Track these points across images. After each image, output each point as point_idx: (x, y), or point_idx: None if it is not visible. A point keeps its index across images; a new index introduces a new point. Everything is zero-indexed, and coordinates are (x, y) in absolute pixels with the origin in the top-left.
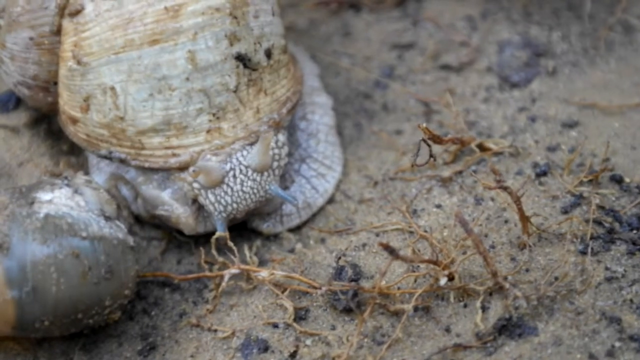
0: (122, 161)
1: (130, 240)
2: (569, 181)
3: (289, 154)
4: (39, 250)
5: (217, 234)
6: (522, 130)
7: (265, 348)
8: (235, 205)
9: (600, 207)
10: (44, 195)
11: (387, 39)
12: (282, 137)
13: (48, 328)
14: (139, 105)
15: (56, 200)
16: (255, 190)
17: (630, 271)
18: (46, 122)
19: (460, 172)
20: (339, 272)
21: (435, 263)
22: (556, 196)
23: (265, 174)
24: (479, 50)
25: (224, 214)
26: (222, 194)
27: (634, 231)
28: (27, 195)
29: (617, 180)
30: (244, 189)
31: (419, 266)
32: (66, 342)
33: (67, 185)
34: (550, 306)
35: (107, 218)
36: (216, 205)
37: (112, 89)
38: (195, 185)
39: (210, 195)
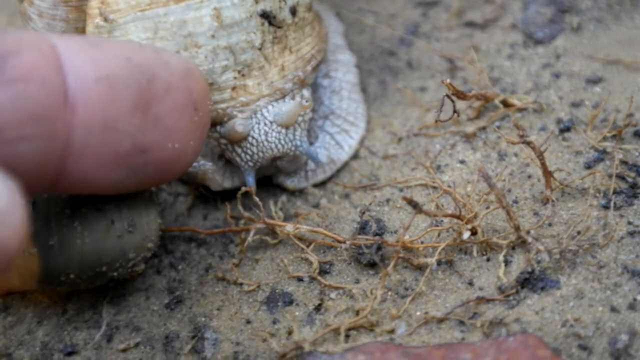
0: None
1: (153, 193)
2: (592, 136)
3: (313, 110)
4: (63, 204)
5: (243, 189)
6: (546, 87)
7: (290, 301)
8: (261, 154)
9: (624, 162)
10: None
11: None
12: (306, 93)
13: (73, 281)
14: None
15: None
16: (280, 141)
17: None
18: None
19: (484, 128)
20: (363, 227)
21: (459, 217)
22: (579, 151)
23: (292, 127)
24: (504, 7)
25: (250, 164)
26: (248, 145)
27: None
28: None
29: None
30: (269, 139)
31: (442, 221)
32: (94, 296)
33: None
34: (572, 260)
35: None
36: (243, 156)
37: None
38: (222, 140)
39: (237, 148)
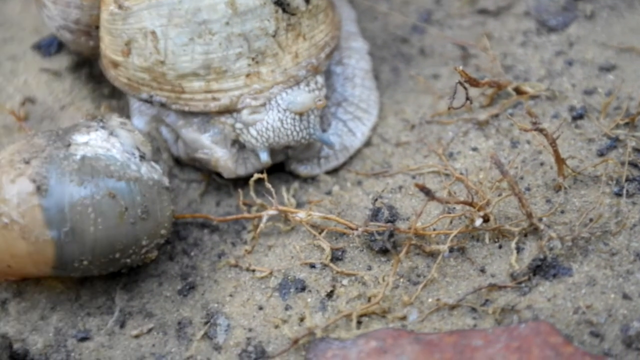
0: (163, 105)
1: (166, 180)
2: (605, 124)
3: (326, 97)
4: (77, 192)
5: (255, 175)
6: (559, 74)
7: (302, 288)
8: (277, 139)
9: (636, 150)
10: (80, 138)
11: None
12: (320, 79)
13: (87, 267)
14: (179, 49)
15: (92, 142)
16: (295, 127)
17: None
18: (87, 66)
19: (496, 115)
20: (375, 214)
21: (471, 204)
22: (592, 139)
23: (305, 114)
24: None
25: (266, 144)
26: (264, 129)
27: None
28: (64, 137)
29: None
30: (284, 126)
31: (454, 208)
32: (108, 282)
33: (103, 127)
34: (584, 247)
35: (143, 159)
36: (258, 137)
37: (153, 33)
38: (238, 125)
39: (252, 131)
